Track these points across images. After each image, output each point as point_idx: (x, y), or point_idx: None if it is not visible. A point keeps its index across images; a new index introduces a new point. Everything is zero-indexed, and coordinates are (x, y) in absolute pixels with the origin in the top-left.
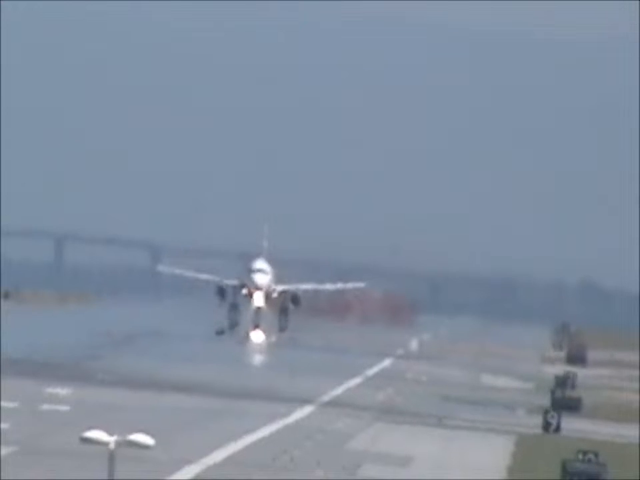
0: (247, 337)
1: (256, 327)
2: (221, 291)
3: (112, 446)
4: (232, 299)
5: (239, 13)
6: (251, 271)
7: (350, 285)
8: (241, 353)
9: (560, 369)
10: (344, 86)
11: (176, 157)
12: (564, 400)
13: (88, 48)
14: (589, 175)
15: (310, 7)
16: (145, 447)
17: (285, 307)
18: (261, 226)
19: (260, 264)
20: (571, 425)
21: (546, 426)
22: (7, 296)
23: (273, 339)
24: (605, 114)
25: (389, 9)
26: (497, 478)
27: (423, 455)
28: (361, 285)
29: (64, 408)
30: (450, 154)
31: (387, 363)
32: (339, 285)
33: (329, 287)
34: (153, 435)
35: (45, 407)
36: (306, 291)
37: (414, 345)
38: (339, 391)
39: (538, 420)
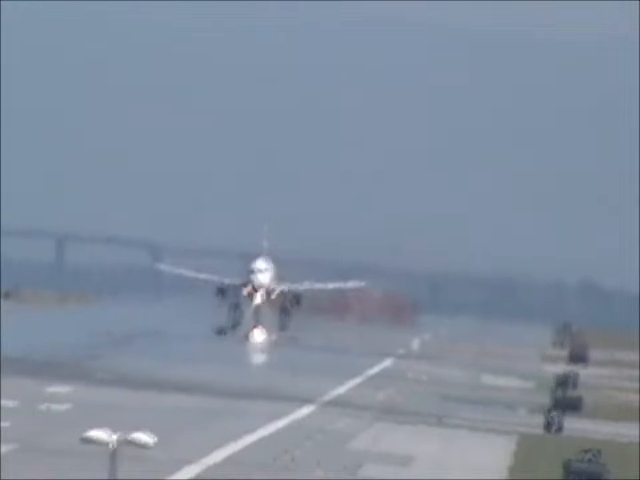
0: (247, 336)
1: (256, 326)
2: (221, 291)
3: (113, 445)
4: (232, 298)
5: (239, 13)
6: (251, 270)
7: (350, 284)
8: (242, 353)
9: (561, 368)
10: (344, 86)
11: (176, 157)
12: (565, 399)
13: (88, 48)
14: (589, 175)
15: (310, 6)
16: (146, 446)
17: (285, 306)
18: (261, 226)
19: (260, 264)
20: (572, 424)
21: (547, 426)
22: (7, 296)
23: (274, 338)
24: (605, 114)
25: (388, 8)
26: (499, 478)
27: (424, 454)
28: (361, 284)
29: (64, 407)
30: (450, 154)
31: (387, 362)
32: (340, 284)
33: (329, 285)
34: (152, 435)
35: (45, 405)
36: (306, 291)
37: (414, 344)
38: (339, 390)
39: (539, 419)
